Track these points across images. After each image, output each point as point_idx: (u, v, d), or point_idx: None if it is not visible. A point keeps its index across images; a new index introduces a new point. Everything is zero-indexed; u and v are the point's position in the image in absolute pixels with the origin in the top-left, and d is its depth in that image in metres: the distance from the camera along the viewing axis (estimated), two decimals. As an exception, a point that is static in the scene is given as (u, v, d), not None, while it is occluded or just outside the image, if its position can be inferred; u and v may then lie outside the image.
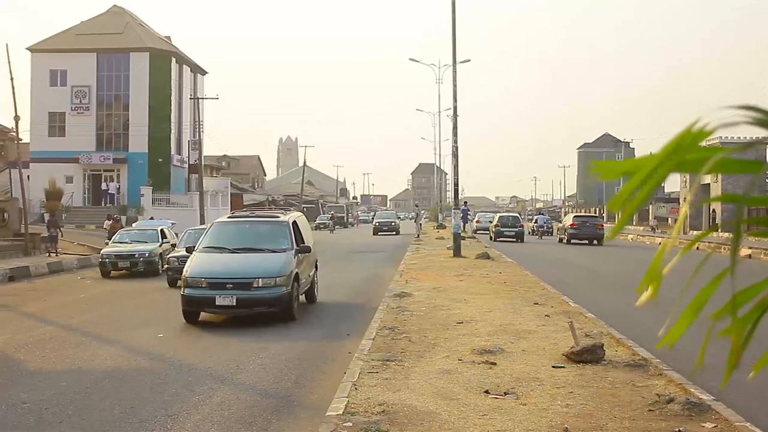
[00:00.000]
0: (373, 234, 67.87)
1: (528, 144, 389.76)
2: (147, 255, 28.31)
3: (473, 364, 11.03)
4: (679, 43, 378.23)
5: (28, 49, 66.71)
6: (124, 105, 66.94)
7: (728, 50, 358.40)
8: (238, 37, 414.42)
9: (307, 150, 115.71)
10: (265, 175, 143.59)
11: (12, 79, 37.48)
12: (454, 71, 36.10)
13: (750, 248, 38.63)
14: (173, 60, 68.20)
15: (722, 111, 1.42)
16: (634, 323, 15.14)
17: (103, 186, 65.35)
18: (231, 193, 77.21)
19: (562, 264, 33.35)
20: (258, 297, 16.07)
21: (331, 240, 57.64)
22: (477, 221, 69.54)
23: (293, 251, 17.24)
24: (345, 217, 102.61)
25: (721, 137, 52.35)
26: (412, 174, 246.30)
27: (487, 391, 9.46)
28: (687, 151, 1.40)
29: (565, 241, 52.07)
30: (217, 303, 16.00)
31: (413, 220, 76.83)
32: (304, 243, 18.31)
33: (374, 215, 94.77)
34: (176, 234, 31.33)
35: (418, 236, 55.73)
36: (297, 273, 16.93)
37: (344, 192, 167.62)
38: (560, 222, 62.86)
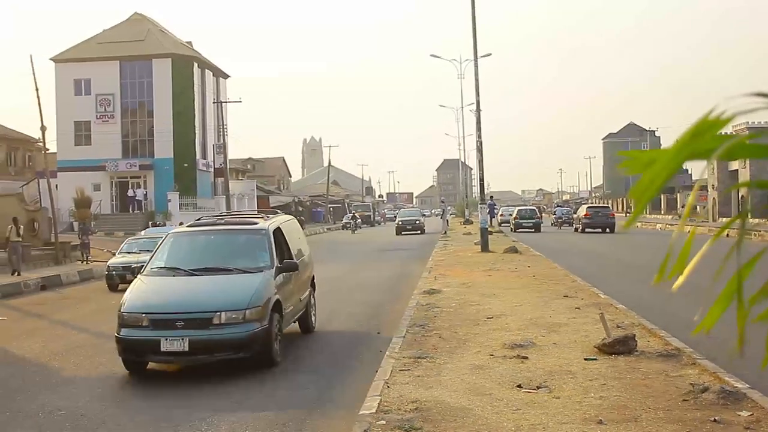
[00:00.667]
0: (396, 234, 62.68)
1: (553, 135, 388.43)
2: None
3: (505, 359, 11.02)
4: (705, 28, 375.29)
5: (51, 59, 67.30)
6: (148, 111, 67.46)
7: (758, 32, 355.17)
8: (260, 40, 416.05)
9: (331, 150, 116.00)
10: (290, 177, 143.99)
11: (37, 89, 37.80)
12: (476, 66, 36.07)
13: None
14: (195, 65, 68.59)
15: (739, 98, 1.42)
16: (666, 313, 15.05)
17: (130, 193, 65.87)
18: (257, 196, 77.48)
19: (588, 255, 33.22)
20: (220, 338, 11.50)
21: (355, 240, 57.74)
22: (501, 215, 70.54)
23: (273, 270, 12.77)
24: (371, 216, 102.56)
25: (748, 122, 51.86)
26: (437, 170, 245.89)
27: (519, 386, 9.45)
28: (699, 140, 1.41)
29: (580, 230, 56.27)
30: (162, 349, 11.39)
31: (439, 217, 76.75)
32: (291, 257, 14.09)
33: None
34: None
35: (445, 232, 55.71)
36: (279, 300, 12.47)
37: (370, 191, 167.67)
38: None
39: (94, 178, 64.78)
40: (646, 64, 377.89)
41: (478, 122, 36.80)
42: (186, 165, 66.10)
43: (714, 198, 73.19)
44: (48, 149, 47.47)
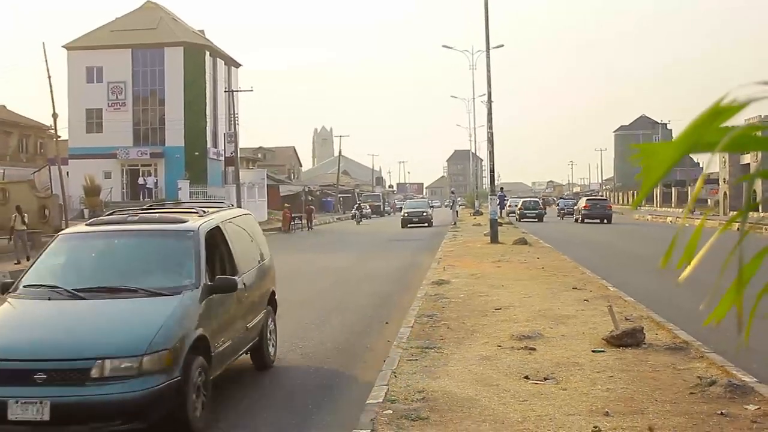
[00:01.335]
0: (402, 226, 58.04)
1: (564, 127, 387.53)
2: None
3: (512, 350, 11.02)
4: (718, 20, 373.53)
5: (64, 47, 67.50)
6: (159, 100, 67.59)
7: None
8: (272, 29, 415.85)
9: (342, 140, 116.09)
10: (301, 166, 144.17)
11: (49, 77, 37.98)
12: (488, 57, 35.99)
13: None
14: (207, 54, 68.64)
15: (751, 86, 1.41)
16: (674, 306, 15.03)
17: (141, 181, 66.02)
18: (267, 185, 77.49)
19: (598, 247, 33.14)
20: (99, 401, 7.45)
21: (363, 230, 57.75)
22: (508, 206, 70.73)
23: (200, 291, 8.85)
24: (381, 206, 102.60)
25: (761, 115, 51.59)
26: (447, 161, 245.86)
27: (526, 377, 9.45)
28: (705, 131, 1.40)
29: (579, 220, 59.69)
30: (10, 416, 7.38)
31: (449, 208, 76.64)
32: (234, 269, 10.05)
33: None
34: None
35: (455, 223, 55.69)
36: (204, 336, 8.54)
37: (380, 181, 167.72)
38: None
39: (105, 165, 64.99)
40: (659, 56, 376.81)
41: (490, 114, 36.74)
42: (197, 153, 66.24)
43: (725, 192, 72.99)
44: (59, 136, 47.73)
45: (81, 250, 9.93)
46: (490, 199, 37.54)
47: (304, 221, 63.30)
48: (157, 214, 10.65)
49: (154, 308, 8.32)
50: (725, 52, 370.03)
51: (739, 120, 1.42)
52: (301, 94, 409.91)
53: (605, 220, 58.23)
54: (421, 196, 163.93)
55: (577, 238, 40.63)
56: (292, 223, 59.69)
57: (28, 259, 29.36)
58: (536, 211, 66.03)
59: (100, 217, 10.65)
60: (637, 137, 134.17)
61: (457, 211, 62.12)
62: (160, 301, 8.47)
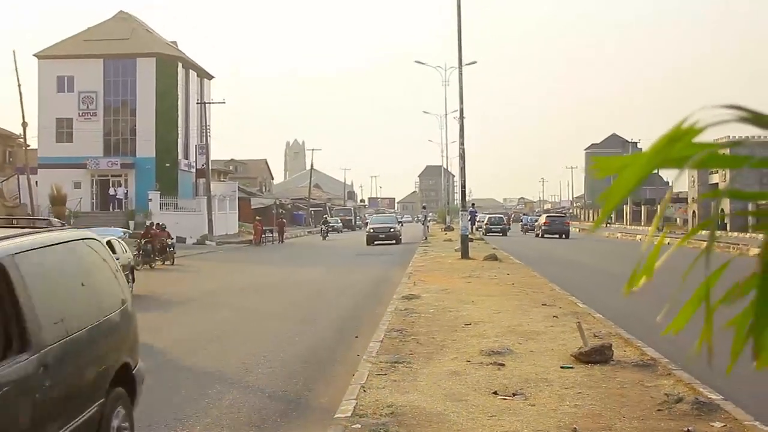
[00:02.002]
0: (367, 243, 53.52)
1: (536, 145, 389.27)
2: None
3: (482, 366, 11.05)
4: (688, 41, 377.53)
5: (35, 55, 66.94)
6: (131, 110, 67.15)
7: (738, 46, 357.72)
8: (244, 41, 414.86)
9: (314, 153, 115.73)
10: (273, 179, 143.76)
11: (19, 85, 37.71)
12: (460, 74, 36.18)
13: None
14: (180, 65, 68.39)
15: (714, 109, 1.44)
16: (642, 323, 15.11)
17: (111, 191, 65.52)
18: (239, 197, 77.26)
19: (568, 265, 33.30)
20: None
21: (334, 245, 57.66)
22: (478, 221, 71.65)
23: None
24: (353, 220, 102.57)
25: (729, 136, 52.18)
26: (419, 176, 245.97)
27: (495, 392, 9.47)
28: (674, 148, 1.42)
29: (540, 235, 64.00)
30: None
31: (421, 223, 76.67)
32: (25, 342, 5.49)
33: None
34: (126, 248, 25.71)
35: (426, 239, 55.77)
36: None
37: (352, 195, 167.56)
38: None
39: (74, 175, 64.41)
40: (630, 75, 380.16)
41: (462, 130, 36.89)
42: (168, 165, 65.87)
43: (694, 210, 73.74)
44: (29, 145, 47.31)
45: None
46: (461, 214, 37.64)
47: (276, 234, 63.13)
48: None
49: None
50: (696, 73, 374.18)
51: (704, 139, 1.45)
52: (273, 107, 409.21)
53: (563, 235, 62.73)
54: (391, 210, 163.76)
55: (548, 255, 40.82)
56: (264, 235, 59.53)
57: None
58: (501, 226, 72.13)
59: None
60: (608, 155, 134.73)
61: (428, 227, 62.19)
62: None
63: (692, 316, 1.58)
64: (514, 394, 9.40)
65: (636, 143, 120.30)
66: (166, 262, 37.07)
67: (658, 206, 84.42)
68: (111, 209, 64.28)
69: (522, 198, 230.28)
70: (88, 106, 66.39)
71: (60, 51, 67.05)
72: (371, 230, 56.13)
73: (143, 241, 35.26)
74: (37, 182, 56.40)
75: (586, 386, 9.76)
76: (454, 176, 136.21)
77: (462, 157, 37.01)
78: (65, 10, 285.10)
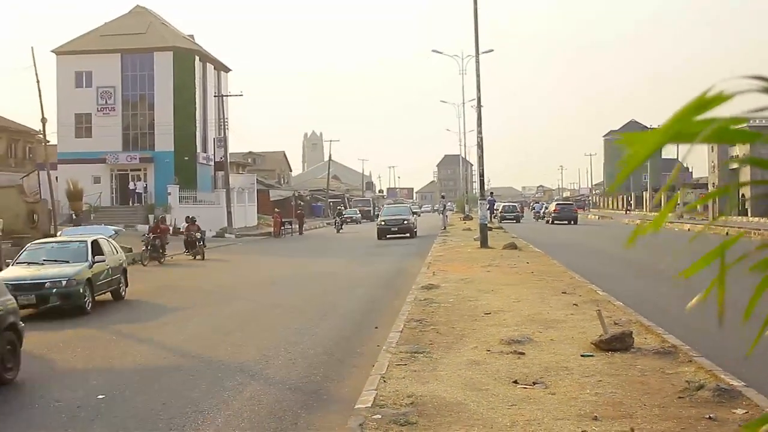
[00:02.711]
0: (378, 237, 48.24)
1: (554, 132, 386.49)
2: (63, 283, 18.18)
3: (501, 355, 11.03)
4: (712, 27, 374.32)
5: (53, 51, 67.20)
6: (149, 104, 67.35)
7: (760, 28, 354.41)
8: (261, 33, 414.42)
9: (332, 144, 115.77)
10: (291, 171, 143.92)
11: (38, 81, 37.84)
12: (477, 62, 36.03)
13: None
14: (197, 58, 68.49)
15: (737, 80, 1.42)
16: (663, 310, 15.06)
17: (131, 185, 65.75)
18: (257, 190, 77.46)
19: (587, 252, 33.19)
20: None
21: (352, 236, 57.65)
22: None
23: None
24: (371, 211, 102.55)
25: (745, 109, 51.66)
26: (438, 166, 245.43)
27: (515, 381, 9.45)
28: (687, 121, 1.41)
29: (550, 222, 68.68)
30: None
31: (440, 213, 76.49)
32: None
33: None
34: (117, 248, 22.66)
35: (444, 228, 55.65)
36: None
37: (370, 185, 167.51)
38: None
39: (94, 170, 64.71)
40: (648, 61, 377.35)
41: (479, 118, 36.79)
42: (186, 158, 66.04)
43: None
44: (48, 141, 47.50)
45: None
46: (480, 203, 37.57)
47: (295, 226, 63.18)
48: None
49: None
50: (715, 58, 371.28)
51: (723, 112, 1.43)
52: (290, 98, 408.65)
53: (572, 221, 67.27)
54: (411, 200, 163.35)
55: (567, 242, 40.70)
56: (283, 227, 59.59)
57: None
58: (514, 214, 77.06)
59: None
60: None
61: (447, 216, 62.05)
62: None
63: (704, 269, 1.57)
64: (534, 383, 9.37)
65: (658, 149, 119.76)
66: (197, 257, 36.37)
67: (678, 192, 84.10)
68: (131, 203, 64.55)
69: (541, 186, 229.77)
70: (106, 101, 66.63)
71: (78, 47, 67.32)
72: (382, 222, 50.45)
73: (151, 237, 34.31)
74: (57, 178, 56.61)
75: (607, 374, 9.73)
76: (472, 165, 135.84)
77: (480, 145, 36.91)
78: (82, 6, 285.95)
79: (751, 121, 1.68)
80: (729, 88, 1.42)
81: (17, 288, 16.87)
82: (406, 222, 49.75)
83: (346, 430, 7.87)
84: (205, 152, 69.50)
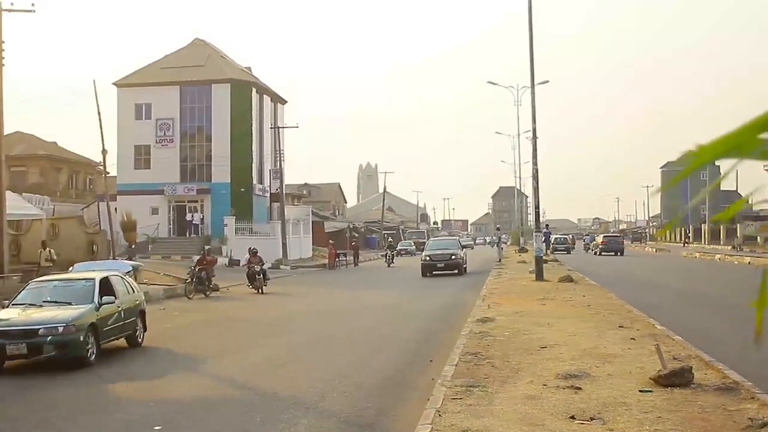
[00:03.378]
0: (422, 274, 43.35)
1: (610, 164, 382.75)
2: (60, 330, 15.36)
3: (558, 389, 10.89)
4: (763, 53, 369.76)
5: (114, 84, 68.47)
6: (206, 136, 68.12)
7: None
8: (318, 65, 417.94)
9: (387, 176, 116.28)
10: (346, 202, 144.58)
11: (99, 113, 38.55)
12: (533, 93, 35.95)
13: None
14: (253, 90, 69.28)
15: None
16: (724, 345, 14.77)
17: (188, 217, 66.48)
18: (312, 221, 77.87)
19: (645, 285, 32.76)
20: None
21: (406, 268, 57.50)
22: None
23: None
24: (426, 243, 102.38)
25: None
26: (492, 197, 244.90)
27: (572, 417, 9.32)
28: (748, 136, 1.38)
29: (597, 253, 73.21)
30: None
31: (492, 245, 76.18)
32: None
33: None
34: (134, 287, 19.80)
35: (499, 260, 55.40)
36: None
37: (425, 217, 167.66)
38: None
39: (152, 201, 65.57)
40: (707, 90, 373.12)
41: (535, 150, 36.63)
42: (243, 190, 66.62)
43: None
44: (108, 173, 48.36)
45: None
46: (535, 236, 37.32)
47: (350, 258, 63.22)
48: None
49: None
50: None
51: None
52: (346, 130, 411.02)
53: (618, 253, 71.76)
54: (465, 232, 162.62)
55: (623, 275, 40.26)
56: (337, 259, 59.73)
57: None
58: (565, 246, 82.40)
59: None
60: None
61: (502, 248, 61.72)
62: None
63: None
64: (591, 419, 9.23)
65: (713, 161, 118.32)
66: (259, 291, 35.05)
67: (738, 224, 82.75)
68: (188, 235, 65.24)
69: (597, 218, 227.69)
70: (165, 133, 67.59)
71: (138, 79, 68.50)
72: (427, 258, 44.80)
73: (197, 269, 33.62)
74: (116, 209, 57.49)
75: (666, 410, 9.55)
76: (527, 197, 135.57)
77: (535, 177, 36.74)
78: (143, 39, 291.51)
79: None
80: None
81: (4, 335, 15.21)
82: (454, 257, 44.50)
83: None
84: (261, 184, 70.10)
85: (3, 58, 31.01)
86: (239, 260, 51.83)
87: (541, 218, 38.46)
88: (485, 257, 64.94)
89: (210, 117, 67.81)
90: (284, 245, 60.11)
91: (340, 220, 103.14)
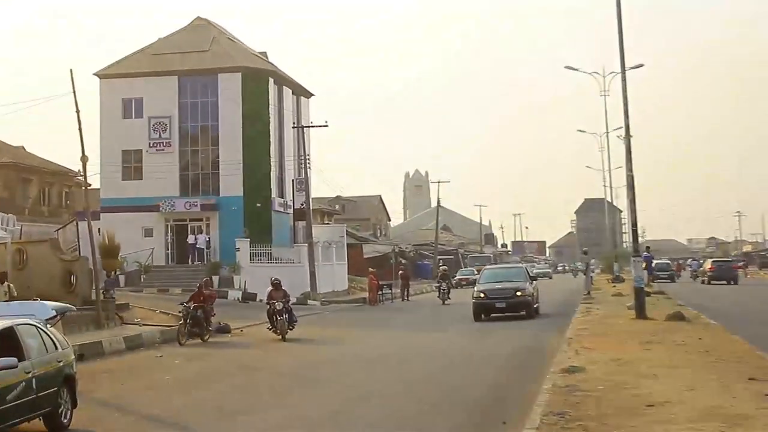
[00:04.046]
0: (474, 318, 39.93)
1: (729, 170, 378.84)
2: None
3: (674, 462, 10.68)
4: None
5: (96, 74, 68.75)
6: (212, 138, 68.25)
7: None
8: (349, 51, 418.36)
9: (440, 186, 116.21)
10: (390, 220, 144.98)
11: (78, 111, 38.64)
12: (624, 80, 35.64)
13: None
14: (271, 81, 69.31)
15: None
16: None
17: (190, 239, 66.23)
18: (348, 244, 77.81)
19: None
20: None
21: (459, 306, 57.10)
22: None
23: None
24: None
25: None
26: (576, 213, 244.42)
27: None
28: None
29: (706, 282, 75.71)
30: None
31: (576, 274, 75.78)
32: None
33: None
34: (57, 341, 15.87)
35: (588, 293, 55.03)
36: None
37: (490, 238, 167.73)
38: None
39: (145, 220, 65.84)
40: None
41: (629, 152, 36.28)
42: (259, 205, 66.47)
43: None
44: (90, 184, 48.62)
45: None
46: (633, 261, 36.99)
47: (396, 290, 63.01)
48: None
49: None
50: None
51: None
52: (388, 129, 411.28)
53: (731, 281, 73.25)
54: (543, 257, 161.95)
55: (748, 311, 39.77)
56: (380, 292, 59.49)
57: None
58: (668, 272, 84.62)
59: None
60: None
61: (591, 277, 61.35)
62: None
63: None
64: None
65: None
66: (282, 338, 32.71)
67: None
68: (190, 262, 65.13)
69: (712, 238, 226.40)
70: (160, 135, 67.69)
71: (125, 68, 68.73)
72: (480, 295, 40.79)
73: (192, 306, 32.05)
74: (99, 230, 57.65)
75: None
76: (621, 212, 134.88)
77: (631, 186, 36.44)
78: (132, 21, 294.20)
79: None
80: None
81: None
82: (519, 293, 40.48)
83: None
84: (282, 197, 70.21)
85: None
86: (255, 294, 51.91)
87: (639, 239, 38.13)
88: (568, 289, 64.59)
89: (216, 114, 68.02)
90: (312, 275, 60.17)
91: (383, 243, 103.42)
